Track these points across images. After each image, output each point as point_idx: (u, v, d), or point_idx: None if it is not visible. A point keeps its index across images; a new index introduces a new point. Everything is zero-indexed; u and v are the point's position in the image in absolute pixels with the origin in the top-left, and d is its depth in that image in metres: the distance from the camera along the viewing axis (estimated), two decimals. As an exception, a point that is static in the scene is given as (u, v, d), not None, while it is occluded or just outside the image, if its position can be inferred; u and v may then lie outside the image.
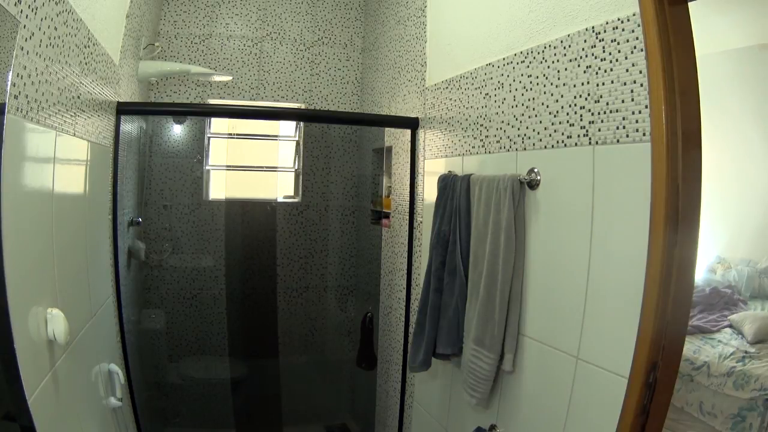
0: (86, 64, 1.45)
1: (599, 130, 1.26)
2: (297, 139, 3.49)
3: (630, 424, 1.12)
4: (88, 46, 1.46)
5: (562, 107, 1.39)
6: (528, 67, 1.54)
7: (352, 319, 3.40)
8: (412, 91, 2.40)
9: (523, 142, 1.56)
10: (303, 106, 3.33)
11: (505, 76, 1.66)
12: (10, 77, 0.90)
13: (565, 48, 1.38)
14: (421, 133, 2.30)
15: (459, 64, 1.96)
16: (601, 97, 1.26)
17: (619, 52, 1.20)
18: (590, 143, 1.29)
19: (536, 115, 1.50)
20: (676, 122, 1.06)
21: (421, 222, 2.25)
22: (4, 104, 0.89)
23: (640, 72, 1.14)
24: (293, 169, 3.49)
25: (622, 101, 1.19)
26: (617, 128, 1.20)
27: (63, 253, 1.29)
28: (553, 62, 1.43)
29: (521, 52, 1.58)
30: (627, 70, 1.18)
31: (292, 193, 3.49)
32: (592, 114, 1.28)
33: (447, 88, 2.05)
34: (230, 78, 3.16)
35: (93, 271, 1.63)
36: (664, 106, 1.07)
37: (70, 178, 1.39)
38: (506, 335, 1.53)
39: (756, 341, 2.98)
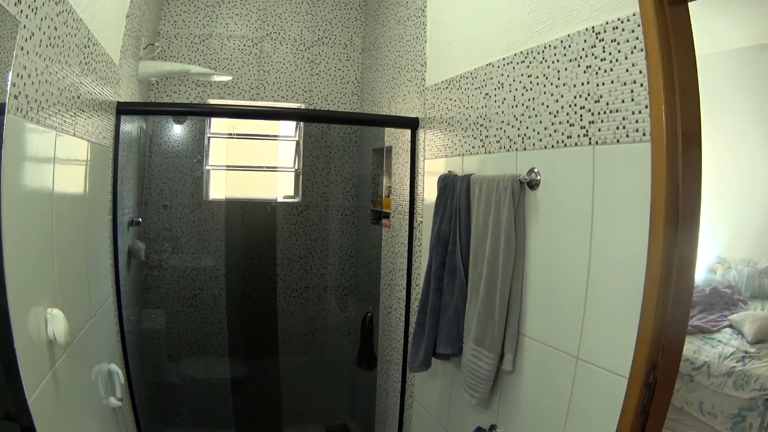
0: (86, 64, 1.45)
1: (599, 130, 1.26)
2: (297, 139, 3.49)
3: (630, 424, 1.12)
4: (88, 46, 1.46)
5: (562, 107, 1.39)
6: (528, 67, 1.54)
7: (352, 319, 3.41)
8: (412, 91, 2.40)
9: (523, 142, 1.56)
10: (303, 106, 3.33)
11: (505, 76, 1.66)
12: (10, 77, 0.90)
13: (565, 48, 1.38)
14: (421, 133, 2.30)
15: (459, 64, 1.96)
16: (601, 97, 1.26)
17: (619, 52, 1.20)
18: (590, 143, 1.29)
19: (536, 115, 1.50)
20: (676, 122, 1.06)
21: (421, 222, 2.25)
22: (4, 104, 0.89)
23: (640, 72, 1.14)
24: (293, 169, 3.49)
25: (622, 101, 1.19)
26: (617, 128, 1.20)
27: (63, 253, 1.29)
28: (553, 62, 1.43)
29: (521, 52, 1.58)
30: (627, 70, 1.18)
31: (292, 193, 3.49)
32: (592, 114, 1.28)
33: (447, 88, 2.05)
34: (230, 78, 3.16)
35: (93, 271, 1.63)
36: (664, 106, 1.07)
37: (70, 178, 1.39)
38: (506, 335, 1.53)
39: (756, 341, 2.98)
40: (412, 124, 2.32)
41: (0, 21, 0.84)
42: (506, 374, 1.58)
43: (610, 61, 1.23)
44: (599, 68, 1.26)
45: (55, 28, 1.15)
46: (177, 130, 3.25)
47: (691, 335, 3.13)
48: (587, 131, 1.30)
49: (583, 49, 1.32)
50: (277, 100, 3.30)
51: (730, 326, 3.24)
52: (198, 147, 3.28)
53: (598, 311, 1.26)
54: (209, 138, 3.30)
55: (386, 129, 2.76)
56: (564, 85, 1.38)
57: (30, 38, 0.99)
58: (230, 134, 3.42)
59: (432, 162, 2.18)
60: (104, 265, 1.84)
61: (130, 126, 2.37)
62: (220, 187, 3.35)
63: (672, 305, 1.08)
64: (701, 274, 4.08)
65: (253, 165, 3.54)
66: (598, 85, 1.27)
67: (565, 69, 1.38)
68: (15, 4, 0.91)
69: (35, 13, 1.01)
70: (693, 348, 2.99)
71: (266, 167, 3.57)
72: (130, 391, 2.08)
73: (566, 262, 1.36)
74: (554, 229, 1.42)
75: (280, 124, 3.54)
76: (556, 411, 1.37)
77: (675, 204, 1.06)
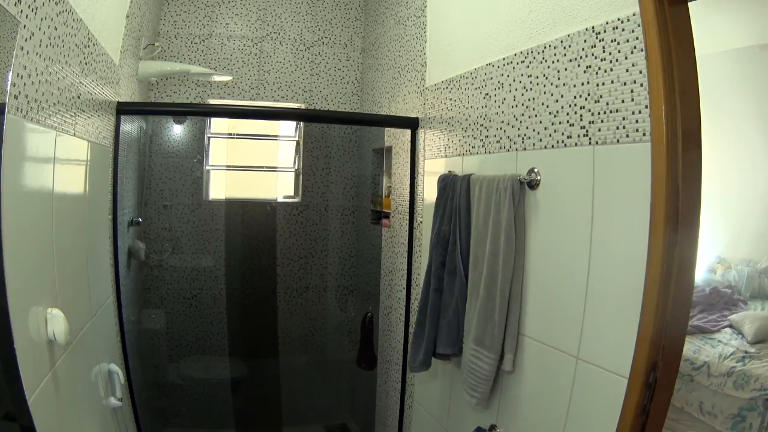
0: (86, 64, 1.45)
1: (599, 130, 1.26)
2: (297, 139, 3.49)
3: (630, 424, 1.12)
4: (88, 46, 1.46)
5: (562, 107, 1.39)
6: (528, 67, 1.54)
7: (352, 319, 3.41)
8: (412, 91, 2.40)
9: (523, 142, 1.56)
10: (303, 106, 3.33)
11: (505, 76, 1.66)
12: (10, 77, 0.90)
13: (565, 48, 1.38)
14: (421, 133, 2.30)
15: (459, 64, 1.96)
16: (601, 97, 1.26)
17: (619, 52, 1.20)
18: (590, 143, 1.29)
19: (536, 115, 1.50)
20: (676, 122, 1.06)
21: (421, 222, 2.25)
22: (4, 104, 0.89)
23: (640, 72, 1.14)
24: (293, 169, 3.49)
25: (622, 101, 1.19)
26: (617, 128, 1.20)
27: (63, 253, 1.29)
28: (553, 62, 1.43)
29: (521, 52, 1.58)
30: (627, 70, 1.18)
31: (292, 193, 3.49)
32: (592, 114, 1.28)
33: (447, 88, 2.05)
34: (230, 78, 3.16)
35: (93, 271, 1.63)
36: (664, 106, 1.07)
37: (70, 178, 1.39)
38: (506, 335, 1.53)
39: (756, 341, 2.98)
40: (412, 124, 2.32)
41: (0, 21, 0.84)
42: (506, 374, 1.58)
43: (610, 61, 1.23)
44: (599, 68, 1.26)
45: (55, 28, 1.15)
46: (177, 130, 3.25)
47: (691, 335, 3.13)
48: (587, 131, 1.30)
49: (583, 49, 1.32)
50: (277, 100, 3.30)
51: (730, 326, 3.24)
52: (198, 147, 3.28)
53: (598, 311, 1.26)
54: (209, 138, 3.30)
55: (386, 129, 2.76)
56: (564, 85, 1.38)
57: (30, 38, 0.99)
58: (230, 134, 3.42)
59: (432, 162, 2.18)
60: (104, 265, 1.84)
61: (130, 126, 2.37)
62: (220, 187, 3.35)
63: (672, 305, 1.08)
64: (701, 274, 4.08)
65: (253, 165, 3.54)
66: (598, 85, 1.27)
67: (565, 69, 1.38)
68: (15, 4, 0.91)
69: (35, 13, 1.01)
70: (693, 348, 2.99)
71: (266, 167, 3.57)
72: (130, 391, 2.08)
73: (566, 262, 1.36)
74: (554, 229, 1.42)
75: (280, 124, 3.54)
76: (556, 411, 1.37)
77: (675, 204, 1.06)
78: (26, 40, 0.97)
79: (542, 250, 1.46)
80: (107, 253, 1.90)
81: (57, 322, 1.11)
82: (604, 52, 1.25)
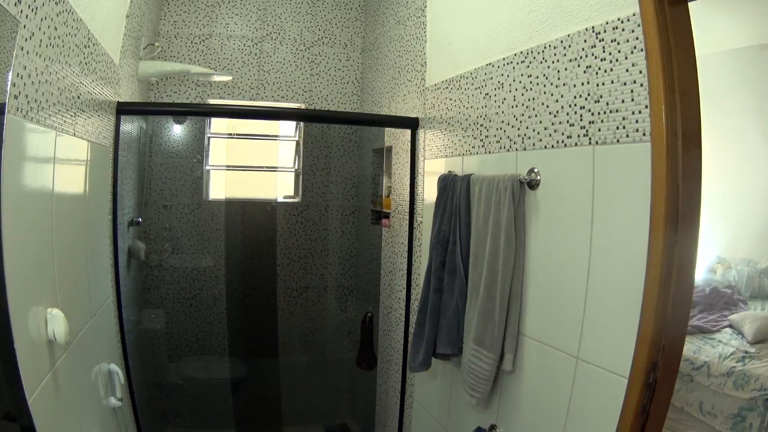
0: (86, 64, 1.45)
1: (599, 130, 1.26)
2: (297, 139, 3.49)
3: (630, 424, 1.12)
4: (88, 46, 1.46)
5: (562, 107, 1.39)
6: (528, 67, 1.54)
7: (352, 319, 3.40)
8: (412, 91, 2.40)
9: (523, 142, 1.56)
10: (303, 106, 3.33)
11: (505, 76, 1.66)
12: (10, 77, 0.90)
13: (565, 48, 1.38)
14: (421, 133, 2.30)
15: (459, 64, 1.96)
16: (601, 97, 1.26)
17: (619, 52, 1.20)
18: (590, 143, 1.29)
19: (536, 115, 1.50)
20: (676, 122, 1.06)
21: (421, 222, 2.25)
22: (4, 104, 0.89)
23: (640, 72, 1.14)
24: (293, 169, 3.49)
25: (622, 101, 1.19)
26: (617, 128, 1.20)
27: (63, 253, 1.29)
28: (553, 62, 1.43)
29: (521, 52, 1.58)
30: (627, 70, 1.18)
31: (292, 193, 3.49)
32: (592, 114, 1.28)
33: (447, 88, 2.05)
34: (230, 78, 3.16)
35: (93, 271, 1.63)
36: (664, 106, 1.07)
37: (70, 178, 1.39)
38: (506, 335, 1.53)
39: (756, 341, 2.98)
40: (412, 124, 2.32)
41: (0, 21, 0.84)
42: (506, 374, 1.58)
43: (610, 61, 1.23)
44: (599, 68, 1.26)
45: (55, 28, 1.15)
46: (177, 130, 3.25)
47: (691, 335, 3.13)
48: (587, 131, 1.30)
49: (583, 49, 1.32)
50: (277, 100, 3.30)
51: (730, 326, 3.24)
52: (198, 147, 3.28)
53: (598, 311, 1.26)
54: (209, 138, 3.30)
55: (386, 129, 2.76)
56: (564, 85, 1.38)
57: (30, 38, 0.99)
58: (230, 134, 3.42)
59: (432, 162, 2.18)
60: (104, 265, 1.84)
61: (130, 126, 2.37)
62: (220, 187, 3.35)
63: (672, 305, 1.08)
64: (701, 274, 4.08)
65: (253, 165, 3.54)
66: (598, 85, 1.27)
67: (565, 69, 1.38)
68: (15, 4, 0.91)
69: (35, 13, 1.01)
70: (693, 348, 2.99)
71: (266, 167, 3.57)
72: (130, 391, 2.08)
73: (566, 262, 1.36)
74: (554, 229, 1.42)
75: (280, 124, 3.54)
76: (556, 411, 1.37)
77: (675, 204, 1.06)
78: (26, 40, 0.97)
79: (542, 250, 1.46)
80: (107, 253, 1.90)
81: (57, 322, 1.11)
82: (604, 52, 1.25)
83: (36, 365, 1.05)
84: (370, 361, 2.76)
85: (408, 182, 2.36)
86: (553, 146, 1.43)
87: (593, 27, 1.28)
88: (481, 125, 1.80)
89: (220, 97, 3.21)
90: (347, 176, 3.47)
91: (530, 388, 1.50)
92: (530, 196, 1.50)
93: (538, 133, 1.49)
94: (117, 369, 1.73)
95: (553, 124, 1.43)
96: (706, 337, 3.13)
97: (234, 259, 3.37)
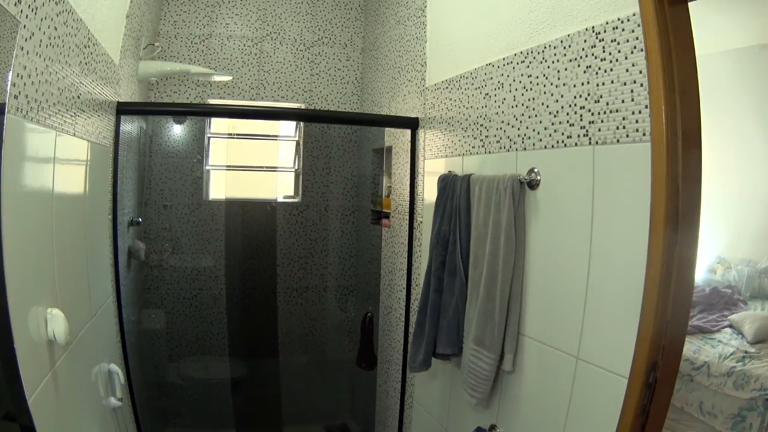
0: (86, 64, 1.45)
1: (599, 130, 1.26)
2: (297, 139, 3.49)
3: (630, 424, 1.12)
4: (88, 46, 1.46)
5: (562, 107, 1.39)
6: (528, 67, 1.54)
7: (352, 319, 3.40)
8: (412, 91, 2.40)
9: (523, 142, 1.56)
10: (303, 106, 3.33)
11: (505, 76, 1.66)
12: (10, 77, 0.90)
13: (565, 48, 1.38)
14: (421, 133, 2.30)
15: (459, 64, 1.96)
16: (601, 97, 1.26)
17: (619, 52, 1.20)
18: (590, 143, 1.29)
19: (536, 115, 1.50)
20: (676, 122, 1.06)
21: (421, 222, 2.25)
22: (4, 104, 0.89)
23: (640, 72, 1.14)
24: (293, 169, 3.49)
25: (622, 101, 1.19)
26: (617, 128, 1.20)
27: (63, 253, 1.29)
28: (553, 62, 1.43)
29: (521, 52, 1.58)
30: (627, 70, 1.18)
31: (292, 193, 3.49)
32: (592, 114, 1.28)
33: (447, 88, 2.05)
34: (230, 78, 3.16)
35: (93, 271, 1.63)
36: (664, 106, 1.07)
37: (70, 178, 1.39)
38: (506, 335, 1.53)
39: (756, 341, 2.98)
40: (412, 124, 2.32)
41: (0, 21, 0.84)
42: (506, 374, 1.58)
43: (610, 61, 1.23)
44: (599, 68, 1.26)
45: (55, 28, 1.15)
46: (177, 130, 3.25)
47: (691, 335, 3.13)
48: (587, 131, 1.30)
49: (583, 49, 1.32)
50: (277, 100, 3.30)
51: (730, 326, 3.24)
52: (198, 147, 3.28)
53: (598, 311, 1.26)
54: (209, 138, 3.30)
55: (386, 129, 2.76)
56: (564, 85, 1.38)
57: (30, 38, 0.99)
58: (230, 134, 3.42)
59: (432, 162, 2.18)
60: (104, 265, 1.84)
61: (130, 126, 2.37)
62: (220, 187, 3.35)
63: (672, 305, 1.08)
64: (701, 274, 4.08)
65: (253, 165, 3.54)
66: (598, 85, 1.27)
67: (565, 69, 1.38)
68: (15, 4, 0.91)
69: (35, 13, 1.01)
70: (693, 348, 2.99)
71: (266, 167, 3.57)
72: (130, 391, 2.08)
73: (566, 262, 1.36)
74: (554, 229, 1.42)
75: (280, 124, 3.54)
76: (556, 411, 1.37)
77: (675, 204, 1.06)
78: (26, 40, 0.97)
79: (542, 250, 1.46)
80: (107, 253, 1.90)
81: (57, 322, 1.11)
82: (604, 52, 1.25)
83: (36, 365, 1.05)
84: (370, 361, 2.76)
85: (408, 182, 2.36)
86: (553, 146, 1.43)
87: (593, 27, 1.28)
88: (481, 125, 1.80)
89: (220, 97, 3.21)
90: (347, 176, 3.47)
91: (530, 388, 1.50)
92: (530, 196, 1.50)
93: (538, 133, 1.49)
94: (117, 369, 1.73)
95: (553, 124, 1.43)
96: (706, 337, 3.13)
97: (234, 259, 3.37)
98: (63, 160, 1.28)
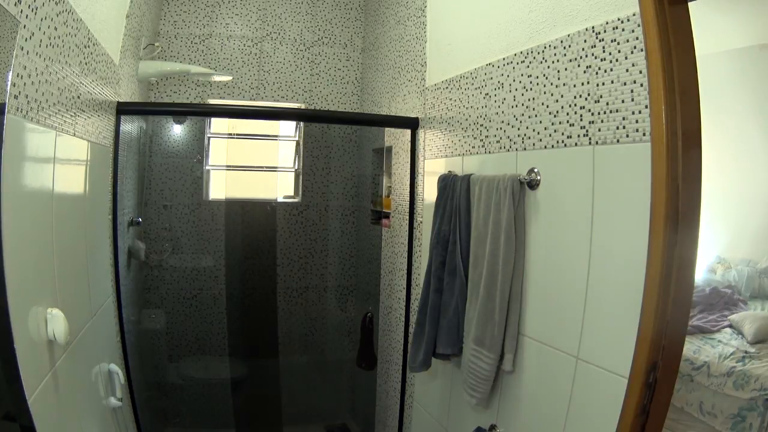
0: (86, 64, 1.45)
1: (599, 130, 1.26)
2: (297, 139, 3.49)
3: (630, 424, 1.12)
4: (88, 46, 1.46)
5: (562, 107, 1.39)
6: (528, 67, 1.54)
7: (352, 319, 3.40)
8: (412, 91, 2.40)
9: (523, 142, 1.56)
10: (303, 106, 3.33)
11: (505, 76, 1.66)
12: (10, 77, 0.90)
13: (565, 48, 1.38)
14: (421, 133, 2.30)
15: (459, 64, 1.96)
16: (601, 97, 1.26)
17: (619, 52, 1.20)
18: (590, 143, 1.29)
19: (536, 115, 1.50)
20: (676, 122, 1.06)
21: (421, 222, 2.25)
22: (4, 104, 0.89)
23: (640, 72, 1.14)
24: (293, 169, 3.49)
25: (622, 101, 1.19)
26: (617, 128, 1.20)
27: (63, 253, 1.29)
28: (553, 62, 1.43)
29: (521, 52, 1.58)
30: (627, 70, 1.18)
31: (292, 193, 3.49)
32: (592, 114, 1.28)
33: (447, 88, 2.05)
34: (230, 78, 3.16)
35: (93, 271, 1.63)
36: (664, 106, 1.07)
37: (70, 178, 1.39)
38: (506, 335, 1.53)
39: (756, 341, 2.98)
40: (412, 124, 2.32)
41: (0, 21, 0.84)
42: (506, 374, 1.58)
43: (610, 61, 1.23)
44: (599, 68, 1.26)
45: (55, 28, 1.15)
46: (177, 130, 3.25)
47: (691, 335, 3.13)
48: (587, 131, 1.30)
49: (583, 49, 1.32)
50: (277, 100, 3.30)
51: (730, 326, 3.24)
52: (198, 147, 3.28)
53: (598, 311, 1.26)
54: (209, 138, 3.30)
55: (386, 129, 2.76)
56: (564, 85, 1.38)
57: (30, 38, 0.99)
58: (230, 134, 3.42)
59: (432, 162, 2.18)
60: (104, 265, 1.84)
61: (130, 126, 2.37)
62: (220, 187, 3.35)
63: (672, 305, 1.08)
64: (701, 274, 4.08)
65: (253, 165, 3.54)
66: (598, 85, 1.27)
67: (565, 69, 1.38)
68: (15, 4, 0.91)
69: (35, 13, 1.01)
70: (693, 348, 2.99)
71: (266, 167, 3.57)
72: (130, 391, 2.08)
73: (566, 262, 1.36)
74: (554, 229, 1.42)
75: (280, 124, 3.54)
76: (556, 411, 1.37)
77: (675, 204, 1.06)
78: (26, 40, 0.97)
79: (542, 250, 1.46)
80: (107, 253, 1.90)
81: (57, 322, 1.11)
82: (604, 52, 1.25)
83: (36, 365, 1.05)
84: (370, 361, 2.76)
85: (408, 182, 2.36)
86: (553, 146, 1.43)
87: (593, 27, 1.28)
88: (481, 125, 1.80)
89: (220, 97, 3.21)
90: (347, 176, 3.47)
91: (530, 388, 1.50)
92: (530, 196, 1.50)
93: (538, 133, 1.49)
94: (117, 369, 1.73)
95: (553, 124, 1.43)
96: (706, 337, 3.13)
97: (234, 259, 3.37)
98: (63, 160, 1.28)
